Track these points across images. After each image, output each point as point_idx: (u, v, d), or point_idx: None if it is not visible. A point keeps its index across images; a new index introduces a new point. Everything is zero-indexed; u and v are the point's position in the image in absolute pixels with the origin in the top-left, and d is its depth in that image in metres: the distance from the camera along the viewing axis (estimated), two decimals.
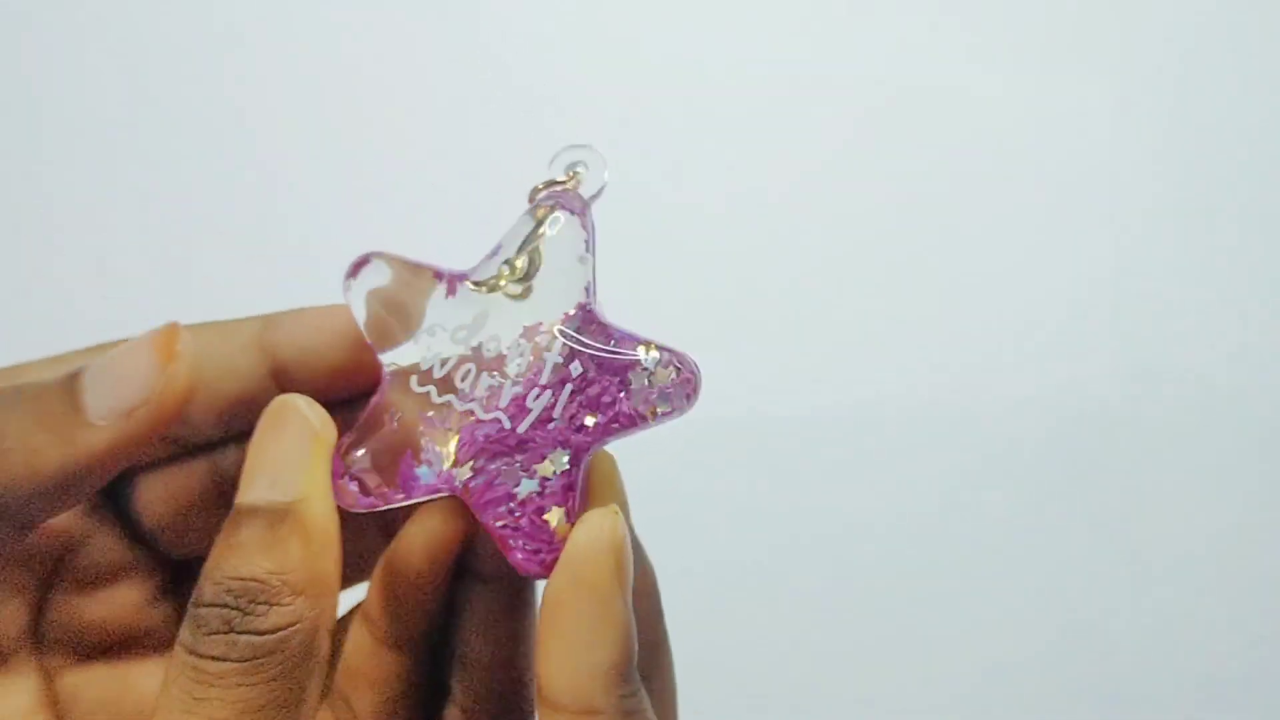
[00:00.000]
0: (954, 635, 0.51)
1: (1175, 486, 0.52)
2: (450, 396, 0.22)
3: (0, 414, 0.20)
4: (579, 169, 0.23)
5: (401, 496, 0.22)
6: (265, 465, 0.20)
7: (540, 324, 0.22)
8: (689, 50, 0.54)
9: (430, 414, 0.22)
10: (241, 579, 0.19)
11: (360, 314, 0.22)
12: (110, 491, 0.24)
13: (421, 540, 0.23)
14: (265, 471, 0.20)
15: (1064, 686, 0.51)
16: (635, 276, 0.50)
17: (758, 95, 0.53)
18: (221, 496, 0.24)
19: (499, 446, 0.21)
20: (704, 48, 0.54)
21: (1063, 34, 0.54)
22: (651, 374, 0.21)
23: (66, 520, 0.23)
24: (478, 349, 0.22)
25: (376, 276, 0.22)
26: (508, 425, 0.21)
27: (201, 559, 0.21)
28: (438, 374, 0.22)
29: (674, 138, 0.53)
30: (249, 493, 0.20)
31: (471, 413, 0.22)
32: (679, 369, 0.21)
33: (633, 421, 0.21)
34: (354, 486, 0.22)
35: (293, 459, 0.20)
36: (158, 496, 0.24)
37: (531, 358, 0.21)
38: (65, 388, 0.20)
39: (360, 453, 0.22)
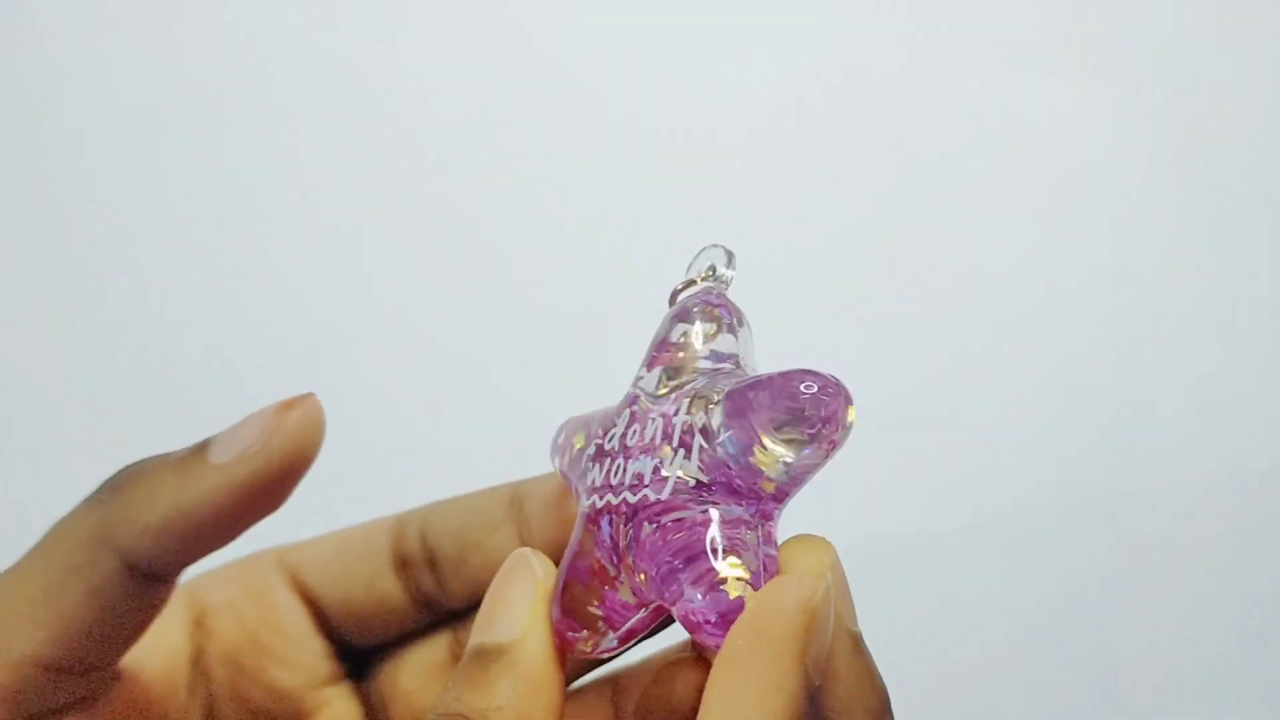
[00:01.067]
0: (950, 630, 0.52)
1: (1174, 486, 0.52)
2: (609, 495, 0.21)
3: (145, 463, 0.21)
4: (710, 270, 0.23)
5: (606, 635, 0.21)
6: (491, 608, 0.21)
7: (672, 397, 0.21)
8: (685, 52, 0.54)
9: (598, 523, 0.21)
10: (449, 714, 0.20)
11: (566, 477, 0.23)
12: (355, 668, 0.26)
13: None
14: (490, 614, 0.21)
15: (1063, 683, 0.52)
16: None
17: (750, 99, 0.54)
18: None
19: (649, 520, 0.20)
20: (695, 50, 0.54)
21: (1060, 33, 0.54)
22: (802, 410, 0.19)
23: (302, 686, 0.25)
24: (624, 441, 0.21)
25: (566, 445, 0.23)
26: (653, 497, 0.20)
27: None
28: (599, 481, 0.21)
29: (675, 142, 0.54)
30: (475, 634, 0.21)
31: (624, 502, 0.21)
32: (817, 395, 0.19)
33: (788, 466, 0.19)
34: (574, 632, 0.21)
35: (513, 602, 0.21)
36: (401, 667, 0.26)
37: (664, 424, 0.21)
38: (198, 444, 0.21)
39: (567, 600, 0.21)
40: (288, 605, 0.25)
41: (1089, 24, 0.54)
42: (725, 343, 0.22)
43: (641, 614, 0.20)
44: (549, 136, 0.53)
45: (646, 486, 0.20)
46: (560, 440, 0.24)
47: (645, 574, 0.20)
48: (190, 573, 0.23)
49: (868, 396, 0.52)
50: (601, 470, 0.21)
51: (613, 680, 0.25)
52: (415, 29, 0.53)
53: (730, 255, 0.23)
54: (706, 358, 0.21)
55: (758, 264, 0.51)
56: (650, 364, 0.22)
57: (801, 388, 0.19)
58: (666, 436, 0.20)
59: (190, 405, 0.49)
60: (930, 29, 0.54)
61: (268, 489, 0.21)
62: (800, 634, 0.18)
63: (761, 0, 0.54)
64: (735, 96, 0.54)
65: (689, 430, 0.20)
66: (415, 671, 0.26)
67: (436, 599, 0.26)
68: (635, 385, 0.22)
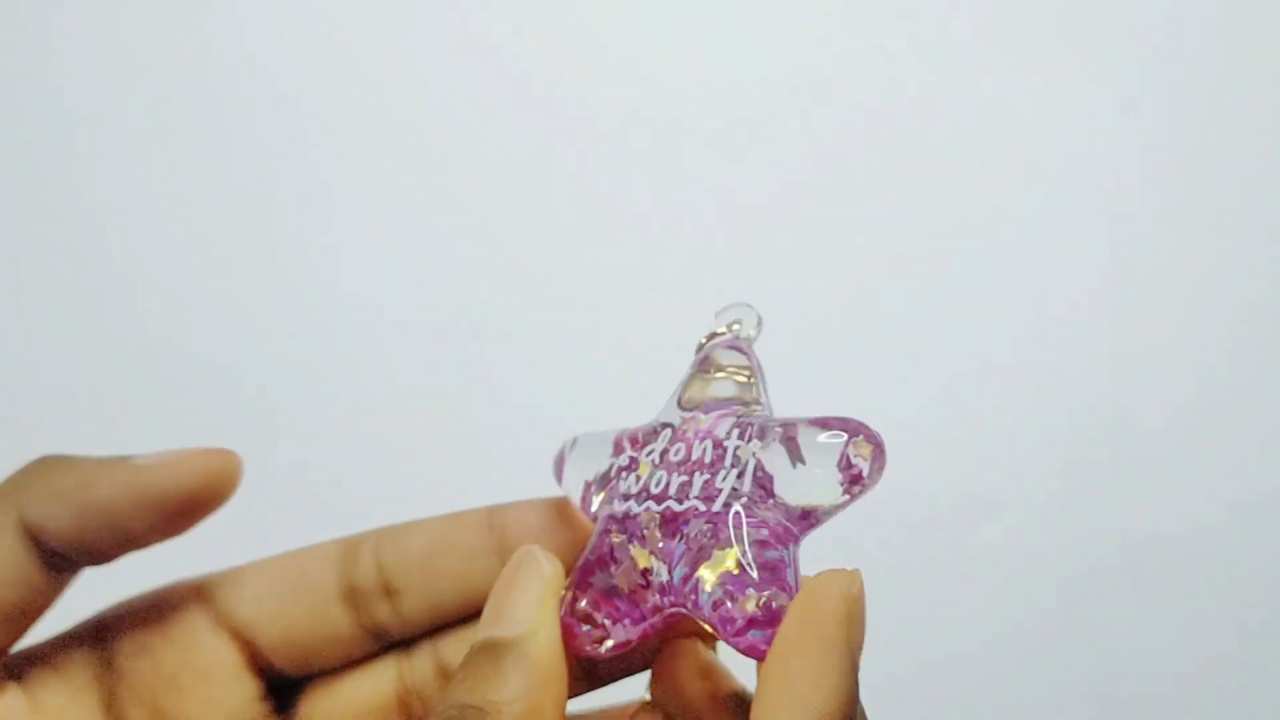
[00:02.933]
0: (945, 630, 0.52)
1: (1175, 486, 0.52)
2: (649, 503, 0.22)
3: (68, 455, 0.22)
4: (737, 324, 0.24)
5: (626, 626, 0.22)
6: (500, 603, 0.22)
7: (718, 424, 0.23)
8: (682, 54, 0.54)
9: (632, 528, 0.22)
10: (462, 706, 0.20)
11: (572, 493, 0.24)
12: (282, 707, 0.25)
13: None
14: (499, 609, 0.22)
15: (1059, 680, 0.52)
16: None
17: (749, 100, 0.54)
18: (404, 710, 0.25)
19: (699, 533, 0.21)
20: (694, 51, 0.54)
21: (1060, 34, 0.54)
22: (844, 451, 0.21)
23: None
24: (665, 457, 0.23)
25: (577, 455, 0.24)
26: (703, 509, 0.22)
27: None
28: (635, 490, 0.23)
29: (678, 145, 0.53)
30: (484, 629, 0.21)
31: (668, 510, 0.22)
32: (866, 443, 0.21)
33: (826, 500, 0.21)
34: (583, 629, 0.22)
35: (523, 597, 0.22)
36: (338, 708, 0.25)
37: (714, 447, 0.22)
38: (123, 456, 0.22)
39: (582, 599, 0.22)
40: (214, 646, 0.24)
41: (1090, 25, 0.54)
42: (752, 389, 0.23)
43: (653, 620, 0.22)
44: (546, 145, 0.53)
45: (696, 499, 0.22)
46: (570, 454, 0.24)
47: (685, 578, 0.21)
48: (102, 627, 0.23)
49: (857, 398, 0.52)
50: (639, 480, 0.23)
51: None
52: (409, 33, 0.53)
53: (759, 318, 0.24)
54: (733, 399, 0.23)
55: (758, 265, 0.52)
56: (682, 403, 0.24)
57: (853, 445, 0.21)
58: (719, 458, 0.22)
59: (186, 409, 0.49)
60: (929, 30, 0.54)
61: (174, 507, 0.22)
62: (844, 620, 0.19)
63: (760, 1, 0.54)
64: (734, 98, 0.53)
65: (742, 457, 0.22)
66: (356, 710, 0.25)
67: (390, 628, 0.25)
68: (669, 415, 0.24)
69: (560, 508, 0.25)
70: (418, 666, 0.25)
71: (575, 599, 0.22)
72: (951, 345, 0.53)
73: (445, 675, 0.25)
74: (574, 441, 0.25)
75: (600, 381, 0.49)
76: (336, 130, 0.53)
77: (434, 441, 0.51)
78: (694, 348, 0.24)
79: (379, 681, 0.25)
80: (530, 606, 0.21)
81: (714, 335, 0.24)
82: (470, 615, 0.25)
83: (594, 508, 0.23)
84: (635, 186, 0.53)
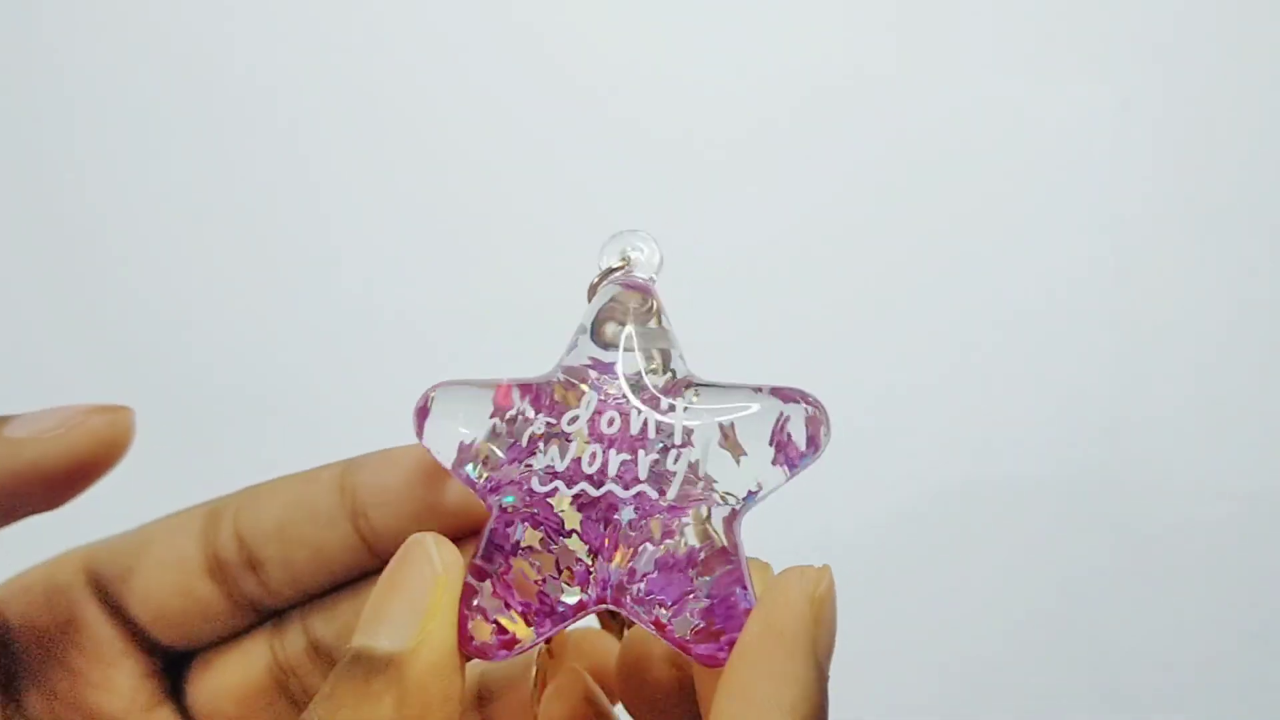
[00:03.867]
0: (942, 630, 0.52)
1: (1175, 486, 0.52)
2: (583, 485, 0.19)
3: None
4: (632, 253, 0.22)
5: (547, 627, 0.19)
6: (379, 606, 0.18)
7: (655, 393, 0.20)
8: (683, 51, 0.54)
9: (562, 516, 0.19)
10: None
11: (442, 453, 0.20)
12: (174, 689, 0.23)
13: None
14: (377, 612, 0.18)
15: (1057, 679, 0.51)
16: None
17: (749, 101, 0.54)
18: (283, 691, 0.23)
19: (649, 526, 0.19)
20: (695, 49, 0.54)
21: (1061, 35, 0.54)
22: (788, 420, 0.19)
23: (125, 710, 0.22)
24: (595, 427, 0.20)
25: (446, 409, 0.20)
26: (654, 496, 0.19)
27: None
28: (560, 467, 0.19)
29: (672, 141, 0.53)
30: (358, 634, 0.18)
31: (611, 494, 0.19)
32: (809, 411, 0.20)
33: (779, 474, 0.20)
34: (488, 632, 0.19)
35: (406, 602, 0.18)
36: (219, 690, 0.23)
37: (657, 422, 0.20)
38: None
39: (486, 590, 0.19)
40: (96, 623, 0.22)
41: (1090, 26, 0.54)
42: (652, 325, 0.21)
43: (586, 614, 0.19)
44: (540, 135, 0.53)
45: (644, 483, 0.19)
46: (438, 404, 0.20)
47: (629, 576, 0.19)
48: None
49: (861, 401, 0.52)
50: (564, 455, 0.19)
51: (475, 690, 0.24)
52: (410, 24, 0.53)
53: (654, 241, 0.22)
54: (641, 345, 0.21)
55: (761, 265, 0.52)
56: (574, 347, 0.21)
57: (808, 406, 0.20)
58: (665, 434, 0.20)
59: (185, 409, 0.49)
60: (930, 31, 0.54)
61: (52, 479, 0.19)
62: (810, 624, 0.17)
63: (762, 2, 0.54)
64: (736, 98, 0.54)
65: (691, 437, 0.20)
66: (235, 695, 0.23)
67: (261, 600, 0.23)
68: (585, 370, 0.21)
69: (424, 462, 0.22)
70: (290, 643, 0.23)
71: (475, 593, 0.19)
72: (951, 345, 0.52)
73: (317, 652, 0.23)
74: (442, 391, 0.21)
75: None
76: (335, 130, 0.53)
77: None
78: (586, 292, 0.22)
79: (252, 661, 0.23)
80: (413, 615, 0.18)
81: (609, 272, 0.22)
82: (337, 585, 0.23)
83: (475, 474, 0.20)
84: (635, 188, 0.53)
